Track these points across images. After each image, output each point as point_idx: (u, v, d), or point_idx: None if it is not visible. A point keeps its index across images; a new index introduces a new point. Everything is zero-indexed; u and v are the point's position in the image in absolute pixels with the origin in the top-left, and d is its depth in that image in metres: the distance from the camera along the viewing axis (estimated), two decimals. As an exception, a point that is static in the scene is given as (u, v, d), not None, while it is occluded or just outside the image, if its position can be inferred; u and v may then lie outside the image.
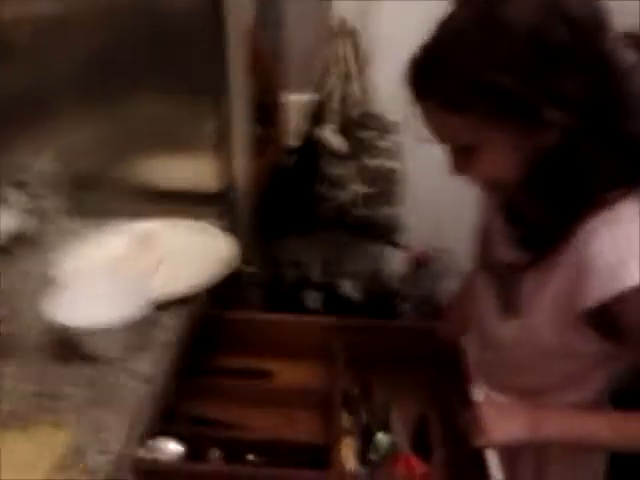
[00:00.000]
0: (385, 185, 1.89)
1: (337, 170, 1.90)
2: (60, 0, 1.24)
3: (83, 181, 1.31)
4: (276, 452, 1.02)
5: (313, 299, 2.05)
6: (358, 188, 1.88)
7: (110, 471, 0.78)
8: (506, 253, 0.94)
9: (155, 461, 0.94)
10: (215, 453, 1.02)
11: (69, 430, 0.83)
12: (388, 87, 1.97)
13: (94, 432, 0.83)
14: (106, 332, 0.93)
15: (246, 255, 1.31)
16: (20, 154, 1.25)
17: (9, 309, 1.00)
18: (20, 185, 1.18)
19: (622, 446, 0.89)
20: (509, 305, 0.95)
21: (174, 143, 1.34)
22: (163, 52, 1.26)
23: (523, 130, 0.77)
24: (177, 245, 1.23)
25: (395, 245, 1.96)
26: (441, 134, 0.82)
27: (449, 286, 2.10)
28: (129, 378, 0.93)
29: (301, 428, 1.12)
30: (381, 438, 1.04)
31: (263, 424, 1.12)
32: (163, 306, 1.06)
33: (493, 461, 0.91)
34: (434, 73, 0.78)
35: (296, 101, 2.05)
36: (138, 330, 0.99)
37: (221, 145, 1.33)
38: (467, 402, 1.00)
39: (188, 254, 1.22)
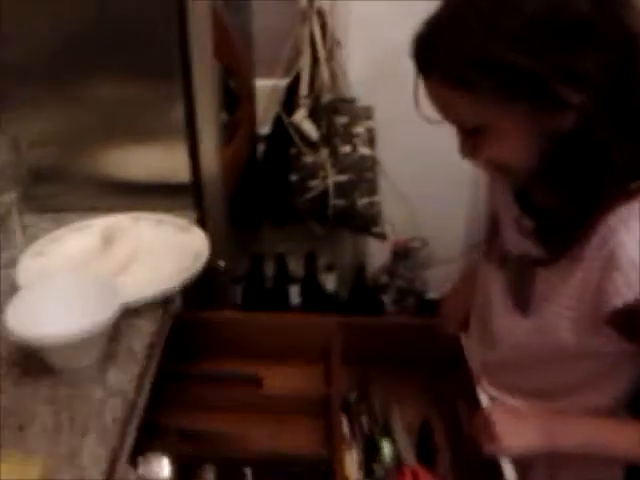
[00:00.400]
0: (360, 173, 1.82)
1: (310, 158, 1.82)
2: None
3: (41, 173, 1.20)
4: (275, 465, 0.95)
5: (294, 295, 1.98)
6: (332, 176, 1.81)
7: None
8: (519, 245, 0.87)
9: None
10: (209, 471, 0.95)
11: (41, 459, 0.73)
12: (360, 71, 1.90)
13: (69, 459, 0.74)
14: (76, 342, 0.83)
15: (220, 249, 1.23)
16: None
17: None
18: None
19: None
20: (520, 301, 0.88)
21: (138, 132, 1.24)
22: (124, 35, 1.15)
23: (535, 111, 0.70)
24: (146, 241, 1.13)
25: (376, 236, 1.89)
26: (448, 114, 0.76)
27: (429, 277, 2.06)
28: (104, 392, 0.84)
29: (298, 437, 1.04)
30: (385, 447, 0.98)
31: (257, 434, 1.05)
32: (135, 309, 0.98)
33: (506, 466, 0.85)
34: (438, 46, 0.71)
35: (264, 86, 1.97)
36: (110, 338, 0.90)
37: (187, 133, 1.24)
38: (474, 405, 0.95)
39: (159, 250, 1.12)
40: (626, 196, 0.72)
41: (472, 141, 0.77)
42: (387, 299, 2.03)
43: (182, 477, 0.92)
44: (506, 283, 0.92)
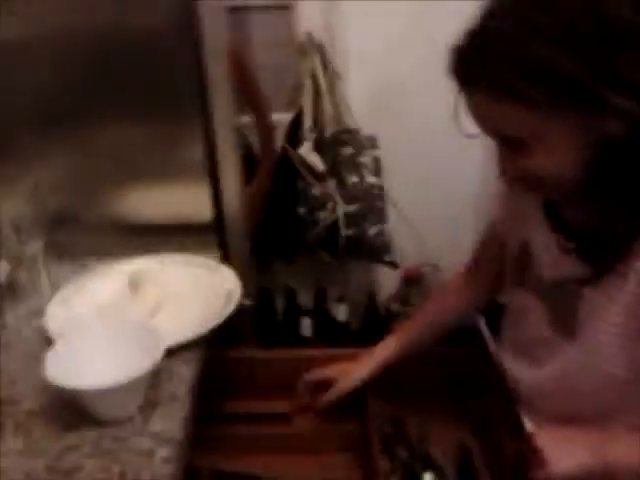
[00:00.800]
0: (368, 202, 1.82)
1: (317, 190, 1.82)
2: (23, 24, 1.13)
3: (60, 219, 1.19)
4: None
5: (305, 327, 1.96)
6: (341, 207, 1.81)
7: None
8: (556, 268, 0.86)
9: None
10: None
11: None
12: (362, 101, 1.91)
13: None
14: (117, 390, 0.81)
15: (244, 287, 1.21)
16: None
17: (1, 371, 0.87)
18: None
19: None
20: (563, 326, 0.86)
21: (158, 173, 1.23)
22: (141, 77, 1.16)
23: (584, 120, 0.69)
24: (174, 283, 1.12)
25: (387, 264, 1.89)
26: (490, 126, 0.74)
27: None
28: (151, 442, 0.82)
29: (335, 475, 1.02)
30: (426, 478, 0.96)
31: (292, 473, 1.02)
32: (172, 353, 0.96)
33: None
34: (481, 56, 0.70)
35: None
36: (151, 383, 0.88)
37: (208, 172, 1.23)
38: (516, 430, 0.93)
39: (188, 292, 1.10)
40: None
41: (512, 154, 0.75)
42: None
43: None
44: (545, 310, 0.90)
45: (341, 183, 1.84)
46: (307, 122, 1.87)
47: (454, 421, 1.12)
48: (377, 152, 1.89)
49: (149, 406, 0.87)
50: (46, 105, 1.17)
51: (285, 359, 1.22)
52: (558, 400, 0.92)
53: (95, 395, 0.81)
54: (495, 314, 1.13)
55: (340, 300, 2.02)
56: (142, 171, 1.23)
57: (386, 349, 1.12)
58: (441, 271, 1.97)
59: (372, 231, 1.82)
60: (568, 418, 0.90)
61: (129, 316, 0.99)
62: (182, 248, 1.23)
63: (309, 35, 1.87)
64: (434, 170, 1.93)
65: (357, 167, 1.86)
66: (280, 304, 2.04)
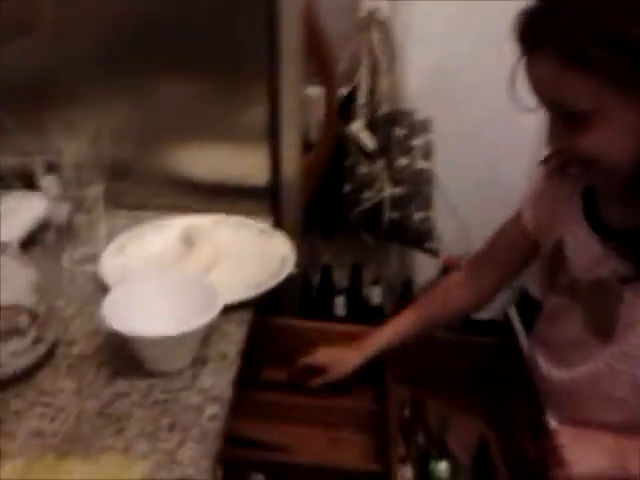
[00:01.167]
0: (416, 187, 1.79)
1: (365, 169, 1.79)
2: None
3: (119, 170, 1.17)
4: (327, 478, 0.92)
5: (339, 306, 1.94)
6: (387, 189, 1.78)
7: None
8: (593, 269, 0.83)
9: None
10: (258, 478, 0.91)
11: (142, 462, 0.70)
12: (419, 83, 1.87)
13: (170, 460, 0.71)
14: (172, 341, 0.80)
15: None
16: (53, 137, 1.11)
17: (53, 312, 0.86)
18: (53, 170, 1.05)
19: None
20: (601, 328, 0.83)
21: (219, 132, 1.21)
22: (210, 32, 1.13)
23: None
24: (228, 244, 1.10)
25: (428, 251, 1.86)
26: (550, 95, 0.70)
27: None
28: (198, 397, 0.81)
29: (349, 453, 1.01)
30: (440, 467, 0.94)
31: (307, 446, 1.02)
32: (224, 312, 0.94)
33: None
34: (557, 17, 0.66)
35: (321, 94, 1.95)
36: (204, 340, 0.87)
37: (270, 136, 1.21)
38: (538, 428, 0.90)
39: (241, 254, 1.09)
40: None
41: (569, 130, 0.71)
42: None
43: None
44: (580, 311, 0.87)
45: (390, 164, 1.81)
46: (361, 99, 1.84)
47: (473, 413, 1.11)
48: (430, 136, 1.86)
49: (199, 362, 0.86)
50: (112, 56, 1.16)
51: (325, 331, 1.21)
52: (586, 402, 0.90)
53: (149, 343, 0.80)
54: (529, 309, 1.12)
55: (375, 282, 2.00)
56: (203, 128, 1.21)
57: (377, 338, 1.12)
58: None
59: (417, 217, 1.79)
60: (594, 421, 0.88)
61: (186, 270, 0.98)
62: (234, 210, 1.21)
63: (373, 10, 1.83)
64: (485, 159, 1.89)
65: (408, 150, 1.82)
66: (315, 280, 2.02)
